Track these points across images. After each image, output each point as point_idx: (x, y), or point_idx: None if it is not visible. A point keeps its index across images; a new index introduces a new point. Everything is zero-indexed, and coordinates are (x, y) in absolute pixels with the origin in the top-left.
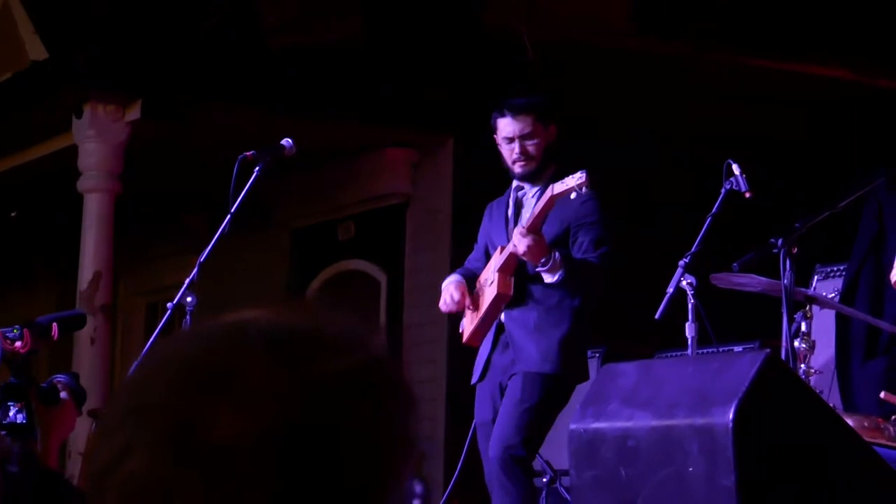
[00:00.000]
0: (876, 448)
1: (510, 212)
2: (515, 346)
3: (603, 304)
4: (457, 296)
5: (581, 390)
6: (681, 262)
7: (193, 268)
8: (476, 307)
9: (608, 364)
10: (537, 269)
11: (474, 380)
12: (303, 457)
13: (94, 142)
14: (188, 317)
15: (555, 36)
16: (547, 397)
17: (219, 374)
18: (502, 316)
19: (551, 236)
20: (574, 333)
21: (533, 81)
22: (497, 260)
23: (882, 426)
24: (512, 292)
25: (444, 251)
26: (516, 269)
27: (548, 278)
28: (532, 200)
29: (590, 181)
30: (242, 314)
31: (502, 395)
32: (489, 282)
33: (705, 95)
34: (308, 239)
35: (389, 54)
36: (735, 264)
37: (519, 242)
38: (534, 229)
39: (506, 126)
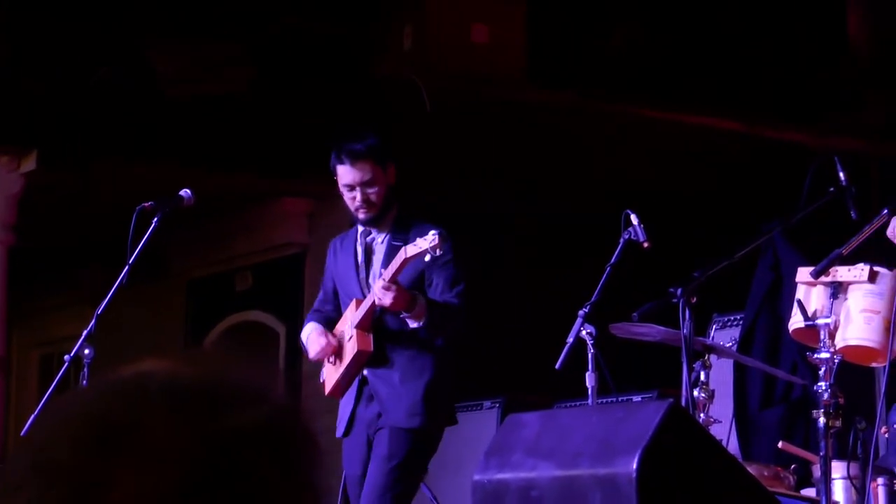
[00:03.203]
0: (777, 497)
1: (360, 258)
2: (381, 401)
3: (502, 355)
4: (322, 342)
5: (484, 441)
6: (580, 312)
7: (87, 319)
8: (337, 358)
9: (511, 414)
10: (402, 316)
11: (339, 433)
12: None
13: None
14: (85, 369)
15: (448, 86)
16: (415, 451)
17: (120, 433)
18: (364, 370)
19: (407, 279)
20: (438, 381)
21: (426, 129)
22: (354, 315)
23: (782, 475)
24: (372, 348)
25: None
26: (376, 324)
27: (412, 324)
28: (382, 247)
29: (442, 242)
30: (142, 366)
31: (370, 447)
32: (347, 337)
33: (601, 146)
34: (205, 290)
35: (285, 105)
36: (635, 314)
37: (383, 296)
38: (393, 280)
39: (346, 174)
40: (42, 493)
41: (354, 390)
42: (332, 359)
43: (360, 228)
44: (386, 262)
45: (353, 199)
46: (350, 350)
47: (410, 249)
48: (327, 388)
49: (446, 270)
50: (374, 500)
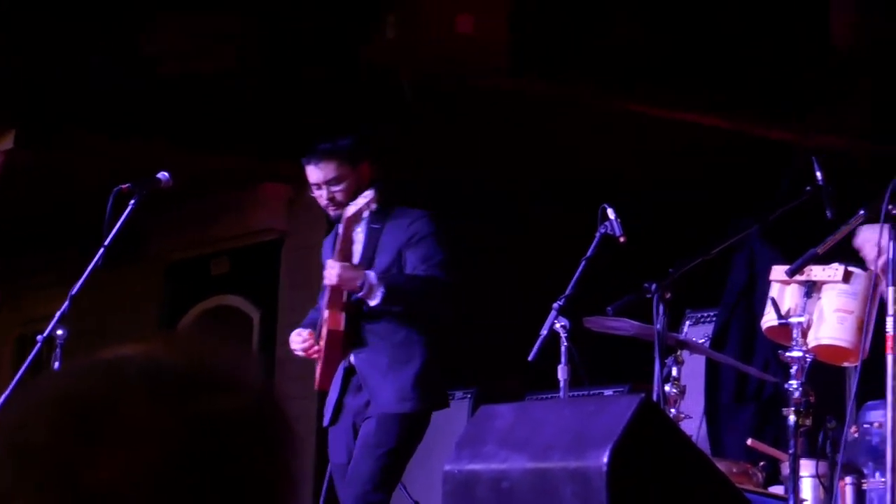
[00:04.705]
0: (745, 494)
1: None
2: (370, 388)
3: (475, 346)
4: (298, 340)
5: (455, 431)
6: (555, 305)
7: (62, 300)
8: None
9: (484, 405)
10: (358, 297)
11: (325, 423)
12: (186, 498)
13: None
14: (59, 350)
15: (432, 73)
16: (402, 438)
17: (99, 414)
18: (352, 358)
19: (386, 264)
20: (428, 367)
21: (409, 118)
22: (325, 298)
23: (750, 472)
24: (342, 327)
25: (318, 288)
26: (356, 309)
27: (371, 302)
28: (361, 235)
29: (378, 197)
30: (121, 350)
31: (356, 436)
32: (323, 321)
33: (583, 139)
34: (181, 273)
35: (268, 88)
36: (609, 308)
37: (328, 274)
38: (342, 257)
39: (311, 173)
40: (18, 475)
41: (340, 379)
42: (317, 351)
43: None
44: (365, 248)
45: (320, 197)
46: (324, 333)
47: (350, 209)
48: (316, 383)
49: (421, 248)
50: (359, 488)
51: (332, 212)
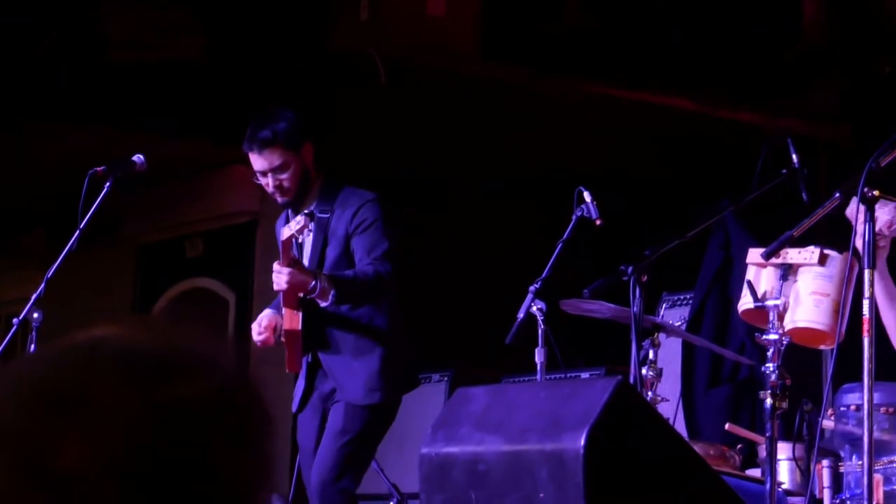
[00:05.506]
0: (722, 476)
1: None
2: (336, 379)
3: (452, 328)
4: (259, 329)
5: (432, 414)
6: (531, 288)
7: (32, 283)
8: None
9: (460, 388)
10: (310, 297)
11: (294, 409)
12: (154, 485)
13: None
14: (34, 332)
15: (401, 58)
16: (369, 426)
17: (69, 398)
18: (319, 353)
19: (335, 257)
20: (391, 355)
21: (380, 103)
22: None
23: (727, 454)
24: (300, 326)
25: None
26: (315, 307)
27: (322, 303)
28: (310, 227)
29: (309, 222)
30: (95, 332)
31: (325, 420)
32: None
33: (554, 122)
34: (155, 256)
35: (238, 72)
36: (585, 291)
37: (277, 279)
38: (287, 264)
39: (255, 161)
40: None
41: (306, 367)
42: (283, 337)
43: (289, 210)
44: (314, 242)
45: (266, 185)
46: (283, 330)
47: (285, 232)
48: (287, 366)
49: (366, 237)
50: (325, 475)
51: (278, 199)
